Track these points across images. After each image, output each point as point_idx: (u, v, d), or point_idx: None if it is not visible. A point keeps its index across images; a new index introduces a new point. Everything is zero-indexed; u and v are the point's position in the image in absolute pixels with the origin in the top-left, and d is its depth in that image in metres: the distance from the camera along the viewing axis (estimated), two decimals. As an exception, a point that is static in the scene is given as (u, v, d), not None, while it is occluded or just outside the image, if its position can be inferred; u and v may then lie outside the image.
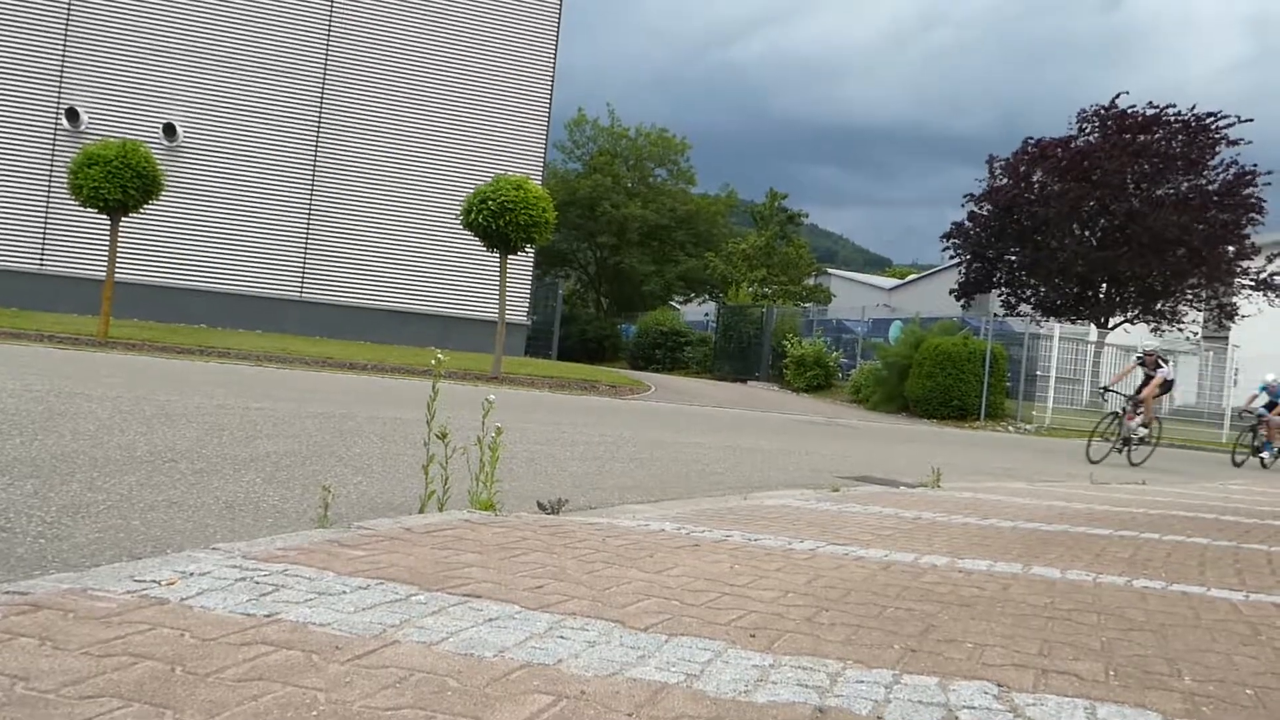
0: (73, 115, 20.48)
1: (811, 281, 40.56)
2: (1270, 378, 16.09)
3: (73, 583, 2.04)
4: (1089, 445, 12.99)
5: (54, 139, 20.45)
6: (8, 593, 1.95)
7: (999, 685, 1.90)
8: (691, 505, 4.58)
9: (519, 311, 23.12)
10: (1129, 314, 28.19)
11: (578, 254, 44.15)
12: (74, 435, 5.01)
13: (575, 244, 42.93)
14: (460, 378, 14.69)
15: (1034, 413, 21.24)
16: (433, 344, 19.14)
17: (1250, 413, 16.31)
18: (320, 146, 22.41)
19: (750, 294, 34.41)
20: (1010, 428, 20.10)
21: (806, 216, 44.56)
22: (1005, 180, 28.67)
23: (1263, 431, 15.93)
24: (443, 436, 3.42)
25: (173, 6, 21.28)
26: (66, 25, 20.60)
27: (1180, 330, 27.85)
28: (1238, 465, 15.47)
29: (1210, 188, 26.97)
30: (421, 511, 3.38)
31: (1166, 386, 13.90)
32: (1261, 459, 15.77)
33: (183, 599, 1.98)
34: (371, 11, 22.83)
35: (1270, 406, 16.02)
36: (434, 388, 3.71)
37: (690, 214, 42.60)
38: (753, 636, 2.09)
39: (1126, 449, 13.26)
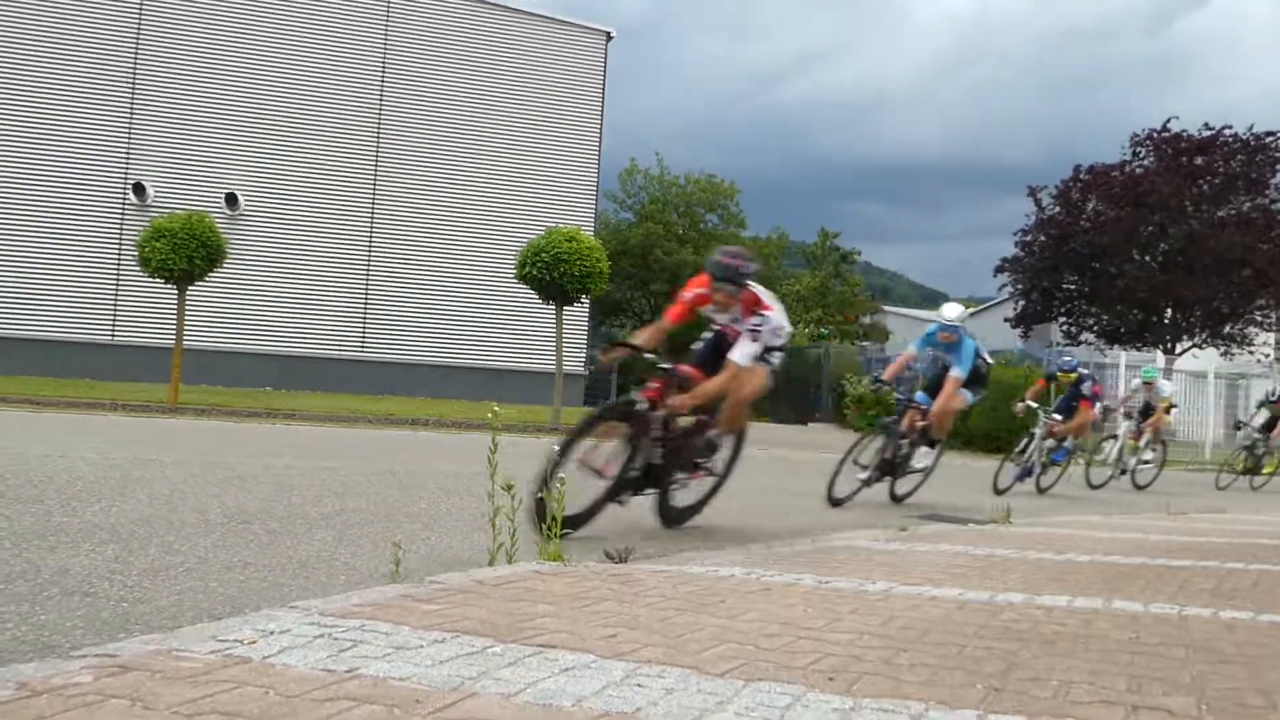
0: (139, 190, 21.17)
1: (868, 319, 40.28)
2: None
3: (158, 644, 2.08)
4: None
5: (122, 214, 21.15)
6: (97, 655, 2.00)
7: (1088, 723, 1.85)
8: (759, 550, 4.54)
9: (576, 362, 23.26)
10: (1197, 338, 27.57)
11: (632, 303, 44.37)
12: (150, 500, 5.12)
13: (629, 293, 43.14)
14: (520, 430, 14.78)
15: (1105, 444, 20.73)
16: (491, 397, 19.30)
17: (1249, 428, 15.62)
18: (377, 205, 22.90)
19: (807, 335, 34.26)
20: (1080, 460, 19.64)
21: (860, 254, 44.41)
22: (1057, 209, 28.34)
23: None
24: (508, 488, 3.45)
25: (231, 78, 21.99)
26: (131, 104, 21.37)
27: (1251, 353, 27.16)
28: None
29: (1275, 206, 26.43)
30: (491, 564, 3.40)
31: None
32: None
33: (265, 657, 2.01)
34: (423, 72, 23.39)
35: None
36: (494, 441, 3.75)
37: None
38: (831, 680, 2.07)
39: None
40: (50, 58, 20.96)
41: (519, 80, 24.17)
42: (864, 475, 7.79)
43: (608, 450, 5.09)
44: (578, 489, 4.60)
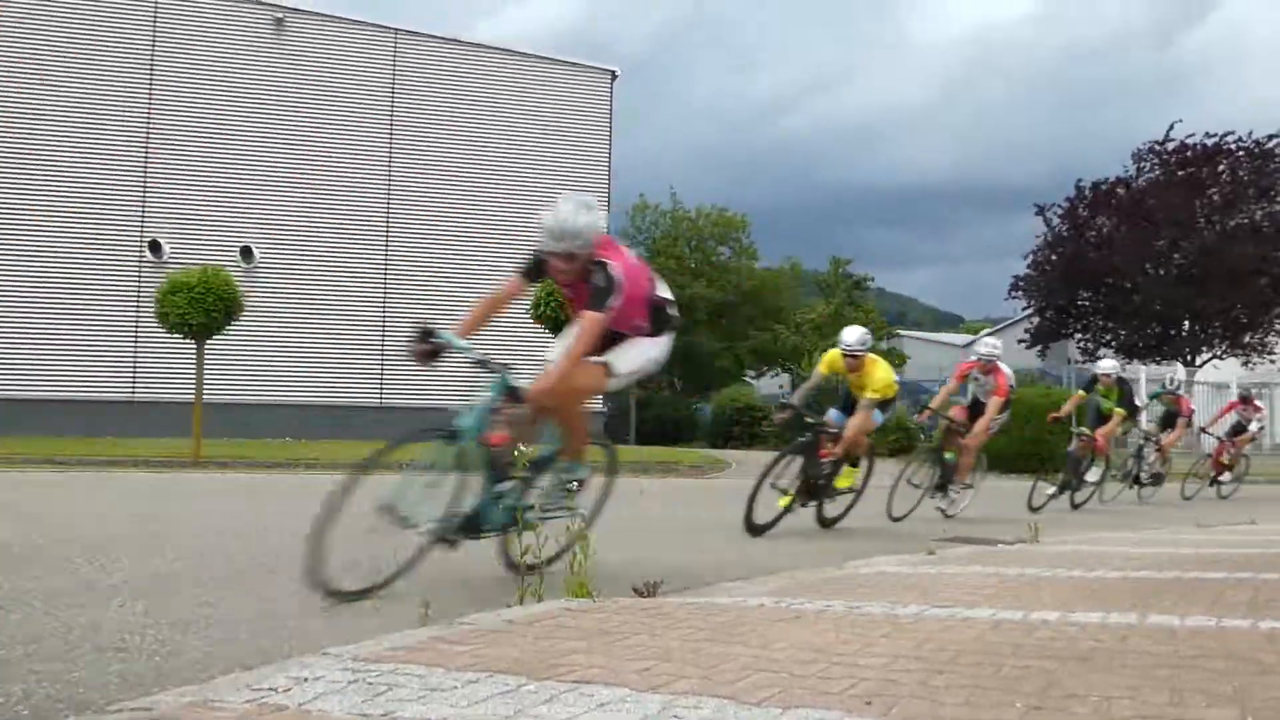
0: (155, 247, 21.40)
1: (884, 345, 40.16)
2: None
3: (194, 695, 2.09)
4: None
5: (139, 271, 21.36)
6: (133, 709, 2.01)
7: (1131, 738, 1.83)
8: (787, 578, 4.52)
9: (594, 399, 23.25)
10: (1217, 349, 27.35)
11: (647, 338, 44.23)
12: (177, 554, 5.14)
13: (644, 328, 43.02)
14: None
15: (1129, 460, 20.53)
16: (511, 438, 19.26)
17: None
18: (390, 251, 23.07)
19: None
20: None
21: (873, 280, 44.35)
22: (1066, 228, 28.23)
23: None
24: (533, 528, 3.47)
25: (241, 132, 22.27)
26: (145, 162, 21.66)
27: (1273, 362, 26.91)
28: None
29: (1285, 213, 26.31)
30: (520, 603, 3.40)
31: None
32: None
33: (300, 704, 2.02)
34: (430, 119, 23.63)
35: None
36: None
37: (756, 289, 42.66)
38: (868, 704, 2.05)
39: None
40: (65, 121, 21.26)
41: (526, 123, 24.39)
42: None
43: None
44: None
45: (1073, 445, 11.30)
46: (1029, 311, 30.21)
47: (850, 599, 3.67)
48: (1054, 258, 28.43)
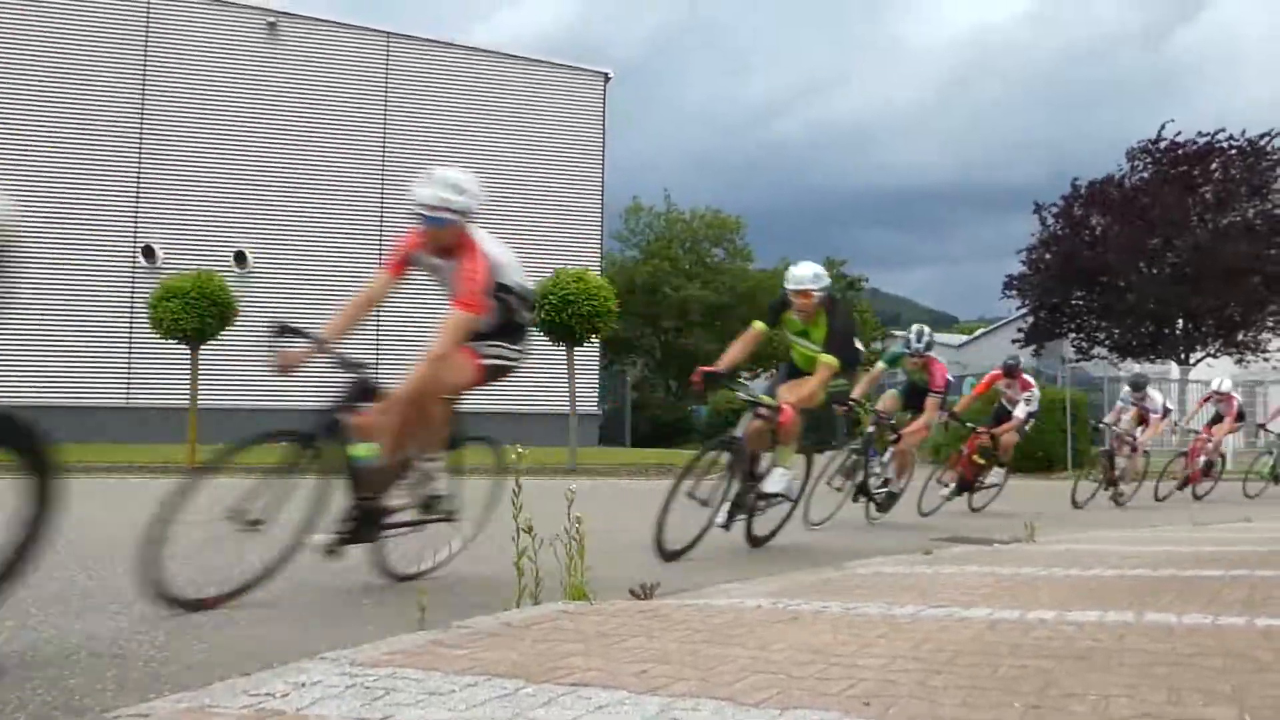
0: (149, 253, 21.37)
1: (879, 345, 40.18)
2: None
3: (190, 701, 2.09)
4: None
5: (133, 276, 21.32)
6: (130, 716, 2.00)
7: (1130, 737, 1.83)
8: (784, 580, 4.52)
9: (589, 402, 23.25)
10: (1210, 348, 27.42)
11: (643, 340, 44.38)
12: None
13: (639, 330, 43.16)
14: (538, 472, 14.74)
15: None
16: (505, 439, 19.28)
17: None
18: (384, 255, 23.05)
19: (817, 363, 34.15)
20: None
21: (866, 281, 44.38)
22: (1060, 227, 28.31)
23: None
24: (528, 530, 3.47)
25: (235, 136, 22.25)
26: (139, 167, 21.64)
27: (1266, 360, 26.99)
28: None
29: (1277, 211, 26.38)
30: (517, 606, 3.39)
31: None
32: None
33: (298, 709, 2.01)
34: (424, 121, 23.64)
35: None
36: (516, 482, 3.76)
37: (750, 290, 42.68)
38: (866, 705, 2.05)
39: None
40: (57, 127, 21.24)
41: (520, 125, 24.39)
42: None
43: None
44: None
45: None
46: (1023, 311, 30.27)
47: (847, 600, 3.67)
48: (1048, 257, 28.52)
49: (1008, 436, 10.25)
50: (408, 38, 24.35)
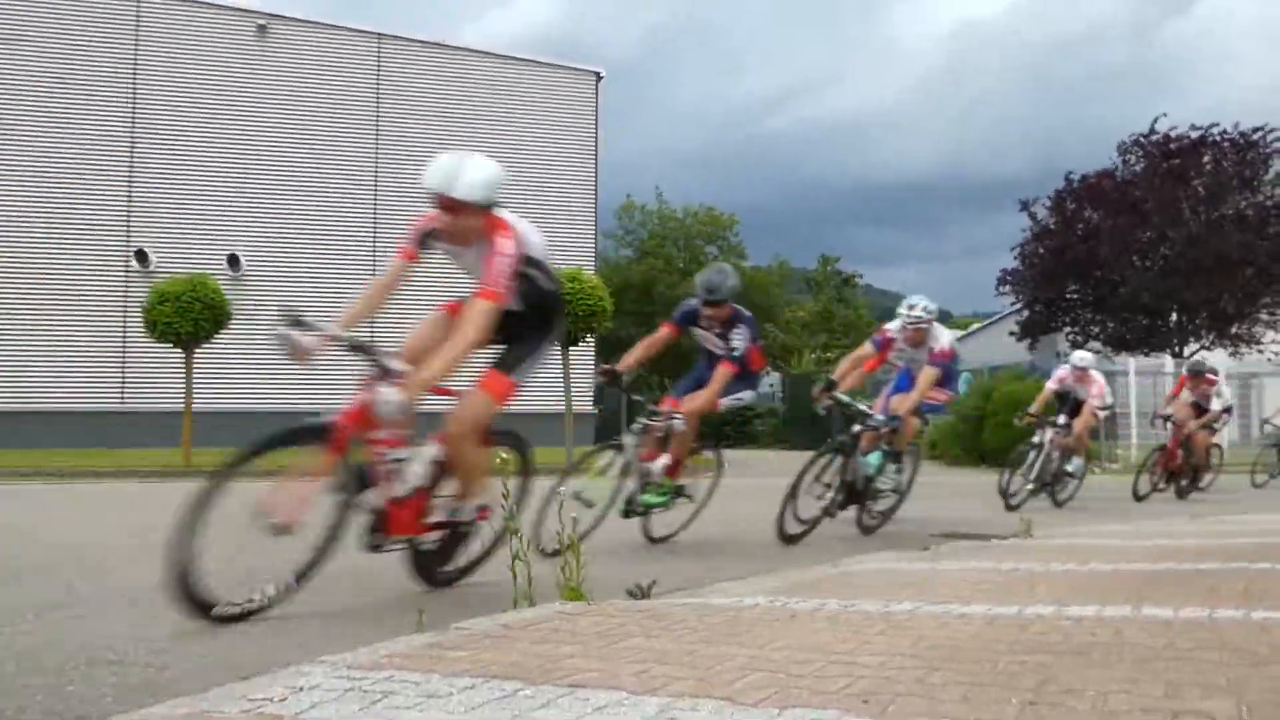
0: (142, 256, 21.31)
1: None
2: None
3: (189, 706, 2.08)
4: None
5: (126, 280, 21.27)
6: (128, 722, 2.00)
7: (1129, 731, 1.83)
8: (782, 578, 4.52)
9: (585, 402, 23.24)
10: (1204, 341, 27.48)
11: (637, 339, 44.35)
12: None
13: (634, 329, 43.19)
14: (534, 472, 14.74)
15: (1119, 451, 20.67)
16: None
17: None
18: (378, 256, 23.01)
19: (813, 360, 34.24)
20: (1096, 469, 19.57)
21: (861, 277, 44.49)
22: (1052, 220, 28.37)
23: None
24: (514, 532, 3.48)
25: (227, 139, 22.20)
26: (130, 171, 21.57)
27: (1260, 352, 27.05)
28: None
29: (1268, 203, 26.45)
30: (515, 607, 3.39)
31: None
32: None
33: (297, 713, 2.01)
34: (416, 122, 23.58)
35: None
36: (505, 485, 3.77)
37: (744, 288, 42.83)
38: (865, 703, 2.05)
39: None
40: (48, 130, 21.16)
41: (512, 125, 24.36)
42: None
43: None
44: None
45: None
46: (1017, 306, 30.31)
47: (845, 597, 3.67)
48: (1041, 251, 28.57)
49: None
50: (397, 39, 24.32)
